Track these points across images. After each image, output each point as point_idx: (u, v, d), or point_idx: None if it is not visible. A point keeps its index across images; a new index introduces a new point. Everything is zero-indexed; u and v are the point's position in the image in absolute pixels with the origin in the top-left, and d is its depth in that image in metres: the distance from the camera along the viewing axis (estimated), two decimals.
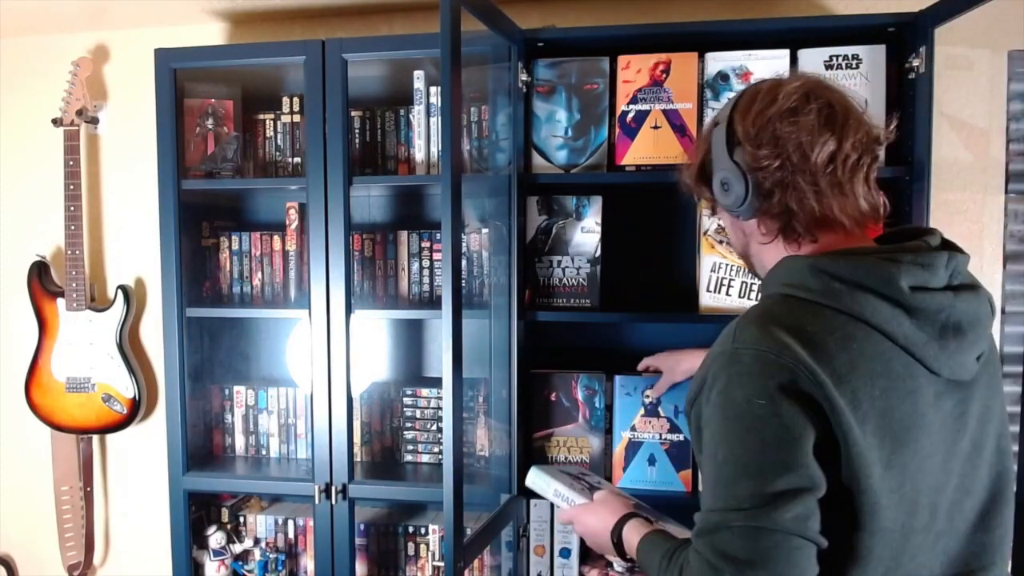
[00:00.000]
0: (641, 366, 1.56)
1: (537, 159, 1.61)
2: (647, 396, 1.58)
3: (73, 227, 1.88)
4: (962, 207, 1.68)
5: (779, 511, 0.70)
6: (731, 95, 1.51)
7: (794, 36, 1.50)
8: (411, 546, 1.80)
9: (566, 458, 1.64)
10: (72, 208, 1.87)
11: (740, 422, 0.74)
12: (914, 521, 0.77)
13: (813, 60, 1.50)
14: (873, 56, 1.49)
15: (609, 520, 1.04)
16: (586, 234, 1.61)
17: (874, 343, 0.75)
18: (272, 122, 1.79)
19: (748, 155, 0.84)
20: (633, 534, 0.97)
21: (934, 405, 0.77)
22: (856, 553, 0.75)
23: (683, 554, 0.79)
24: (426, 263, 1.74)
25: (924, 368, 0.76)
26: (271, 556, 1.84)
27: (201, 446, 1.85)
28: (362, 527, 1.79)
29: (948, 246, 0.83)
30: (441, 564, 1.42)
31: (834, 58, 1.51)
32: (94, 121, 1.99)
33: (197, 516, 1.85)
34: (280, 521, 1.87)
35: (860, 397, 0.73)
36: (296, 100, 1.76)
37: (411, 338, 1.91)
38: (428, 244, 1.73)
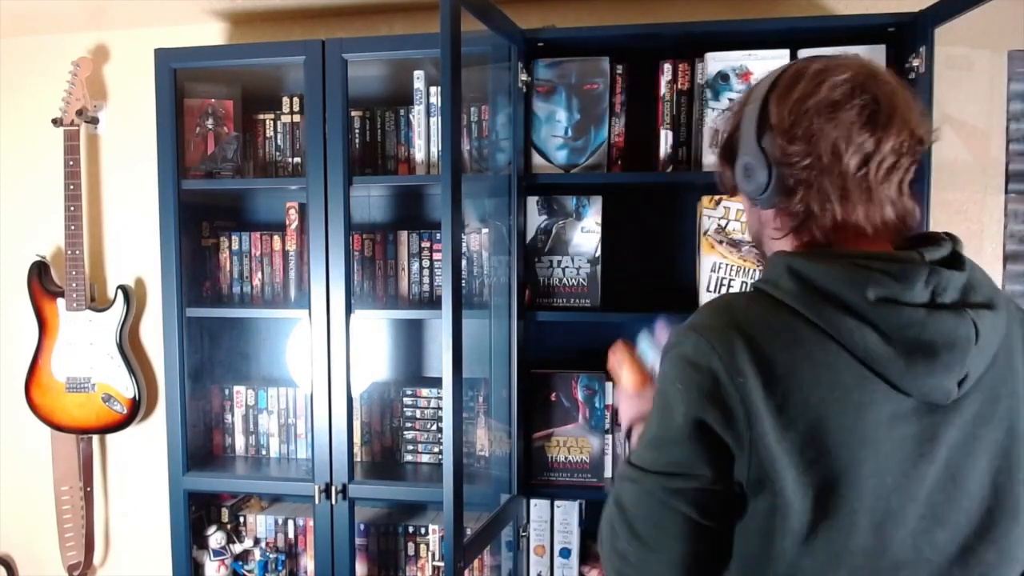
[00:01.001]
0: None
1: (537, 159, 1.61)
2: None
3: (73, 227, 1.88)
4: (962, 207, 1.68)
5: (662, 480, 0.77)
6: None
7: (794, 36, 1.50)
8: (411, 546, 1.80)
9: (566, 458, 1.64)
10: (72, 208, 1.87)
11: (663, 397, 0.80)
12: (848, 540, 0.73)
13: None
14: (873, 56, 1.48)
15: (626, 420, 1.12)
16: (586, 234, 1.61)
17: (826, 351, 0.73)
18: (272, 122, 1.79)
19: (777, 146, 0.79)
20: (633, 439, 1.06)
21: (887, 424, 0.72)
22: (771, 555, 0.74)
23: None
24: (426, 263, 1.74)
25: (887, 384, 0.72)
26: (271, 556, 1.84)
27: (201, 446, 1.85)
28: (362, 527, 1.79)
29: (953, 261, 0.76)
30: (441, 564, 1.42)
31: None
32: (94, 121, 1.99)
33: (197, 516, 1.85)
34: (280, 521, 1.87)
35: (791, 400, 0.72)
36: (296, 100, 1.76)
37: (411, 338, 1.91)
38: (428, 244, 1.73)
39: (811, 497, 0.72)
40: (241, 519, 1.89)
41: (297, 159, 1.78)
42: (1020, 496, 0.77)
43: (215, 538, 1.80)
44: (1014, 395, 0.77)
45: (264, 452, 1.86)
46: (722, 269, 1.55)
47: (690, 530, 0.77)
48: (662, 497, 0.77)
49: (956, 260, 0.76)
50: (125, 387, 1.92)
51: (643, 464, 0.80)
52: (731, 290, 1.53)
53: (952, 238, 0.78)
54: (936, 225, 1.65)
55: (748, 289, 0.83)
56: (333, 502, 1.64)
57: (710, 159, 1.54)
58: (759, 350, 0.73)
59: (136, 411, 1.93)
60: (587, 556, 1.73)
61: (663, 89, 1.58)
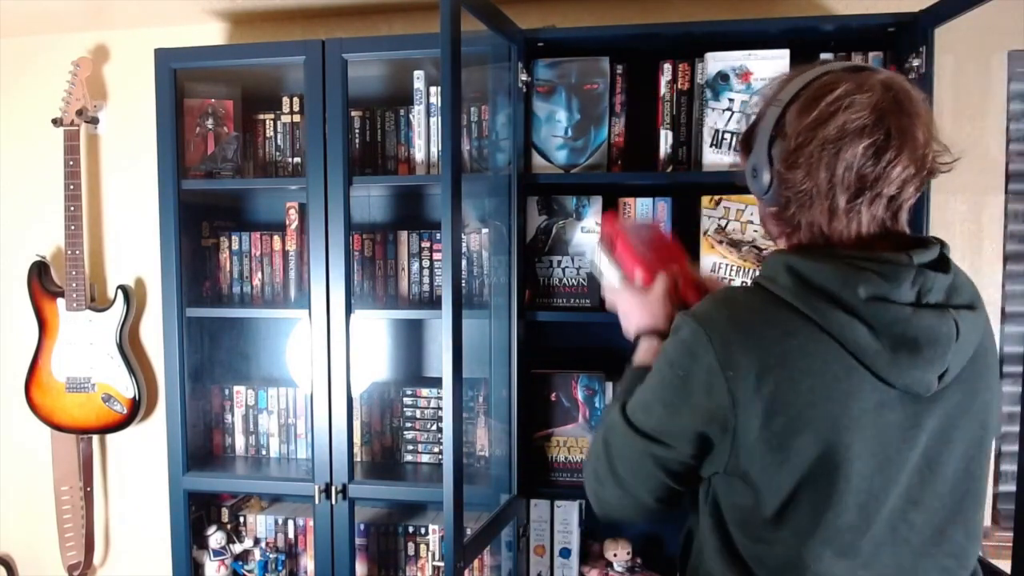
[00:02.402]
0: None
1: (537, 159, 1.61)
2: None
3: (73, 227, 1.88)
4: (962, 207, 1.68)
5: (647, 442, 0.86)
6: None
7: (794, 36, 1.50)
8: (411, 546, 1.80)
9: (566, 458, 1.64)
10: (72, 208, 1.87)
11: (662, 371, 0.87)
12: (838, 519, 0.78)
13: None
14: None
15: (636, 324, 1.09)
16: (586, 234, 1.61)
17: (817, 342, 0.77)
18: (272, 122, 1.79)
19: (781, 162, 0.83)
20: (638, 353, 1.06)
21: (874, 412, 0.78)
22: (767, 535, 0.82)
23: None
24: (426, 263, 1.74)
25: (873, 376, 0.77)
26: (271, 556, 1.84)
27: (201, 446, 1.85)
28: (362, 527, 1.79)
29: (940, 263, 0.80)
30: (441, 564, 1.42)
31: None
32: (94, 121, 1.99)
33: (197, 516, 1.85)
34: (280, 521, 1.87)
35: (781, 389, 0.77)
36: (296, 100, 1.76)
37: (411, 338, 1.91)
38: (428, 244, 1.73)
39: (796, 478, 0.78)
40: (241, 519, 1.89)
41: (297, 159, 1.77)
42: (984, 482, 0.86)
43: (215, 538, 1.80)
44: (990, 390, 0.84)
45: (264, 452, 1.86)
46: (722, 269, 1.55)
47: (660, 486, 0.88)
48: (643, 456, 0.86)
49: (942, 263, 0.81)
50: (125, 387, 1.92)
51: (635, 421, 0.88)
52: None
53: (940, 242, 0.83)
54: (936, 225, 1.65)
55: (749, 283, 0.87)
56: (333, 502, 1.64)
57: (710, 159, 1.54)
58: (752, 342, 0.78)
59: (136, 411, 1.93)
60: (587, 556, 1.73)
61: (663, 89, 1.58)
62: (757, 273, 0.87)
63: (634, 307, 1.08)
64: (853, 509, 0.78)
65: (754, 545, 0.83)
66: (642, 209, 1.59)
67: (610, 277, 1.15)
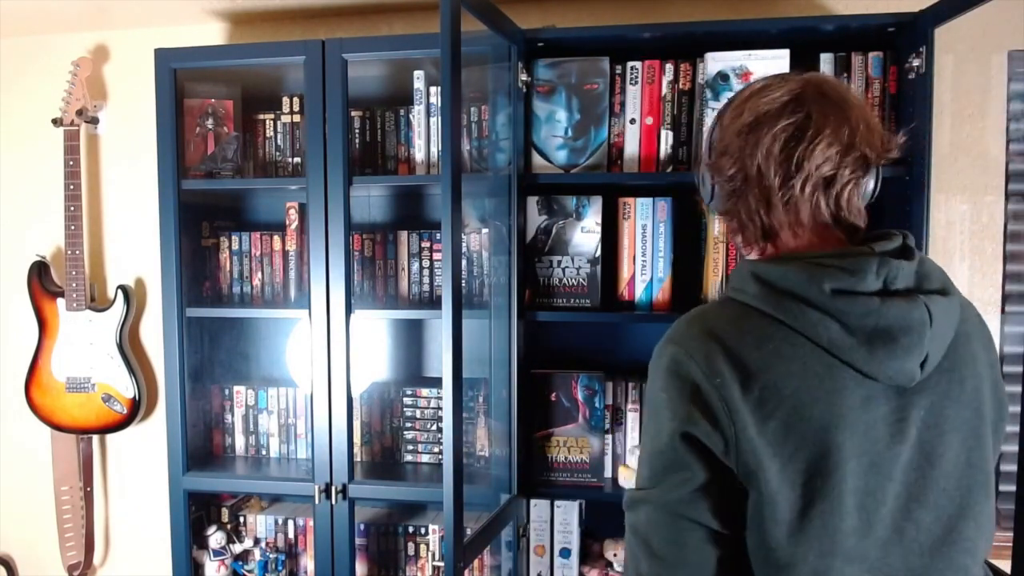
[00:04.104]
0: None
1: (537, 159, 1.61)
2: None
3: (73, 227, 1.88)
4: (962, 207, 1.68)
5: (664, 490, 0.80)
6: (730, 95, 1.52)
7: (794, 36, 1.50)
8: (411, 546, 1.80)
9: (566, 458, 1.64)
10: (72, 208, 1.87)
11: (650, 409, 0.84)
12: (843, 523, 0.75)
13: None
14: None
15: None
16: (586, 234, 1.61)
17: (793, 345, 0.77)
18: (272, 122, 1.79)
19: (713, 159, 0.88)
20: None
21: (861, 407, 0.76)
22: (768, 545, 0.77)
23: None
24: (426, 263, 1.74)
25: (854, 371, 0.76)
26: (271, 556, 1.84)
27: (201, 446, 1.85)
28: (362, 527, 1.79)
29: (903, 252, 0.80)
30: (441, 564, 1.42)
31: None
32: (94, 121, 1.99)
33: (197, 516, 1.85)
34: (280, 521, 1.87)
35: (767, 394, 0.76)
36: (296, 100, 1.76)
37: (411, 338, 1.91)
38: (428, 244, 1.73)
39: (800, 484, 0.75)
40: (241, 519, 1.89)
41: (297, 159, 1.77)
42: (990, 473, 0.82)
43: (215, 538, 1.80)
44: (978, 376, 0.82)
45: (264, 452, 1.86)
46: (722, 268, 1.55)
47: (703, 538, 0.78)
48: (669, 507, 0.79)
49: (906, 251, 0.81)
50: (125, 387, 1.92)
51: (644, 483, 0.83)
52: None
53: (903, 234, 0.82)
54: (936, 225, 1.65)
55: (720, 299, 0.89)
56: (333, 502, 1.64)
57: None
58: (732, 351, 0.77)
59: (136, 411, 1.93)
60: (587, 556, 1.73)
61: (664, 89, 1.58)
62: (728, 285, 0.88)
63: None
64: (854, 512, 0.76)
65: (768, 554, 0.78)
66: (642, 209, 1.59)
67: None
